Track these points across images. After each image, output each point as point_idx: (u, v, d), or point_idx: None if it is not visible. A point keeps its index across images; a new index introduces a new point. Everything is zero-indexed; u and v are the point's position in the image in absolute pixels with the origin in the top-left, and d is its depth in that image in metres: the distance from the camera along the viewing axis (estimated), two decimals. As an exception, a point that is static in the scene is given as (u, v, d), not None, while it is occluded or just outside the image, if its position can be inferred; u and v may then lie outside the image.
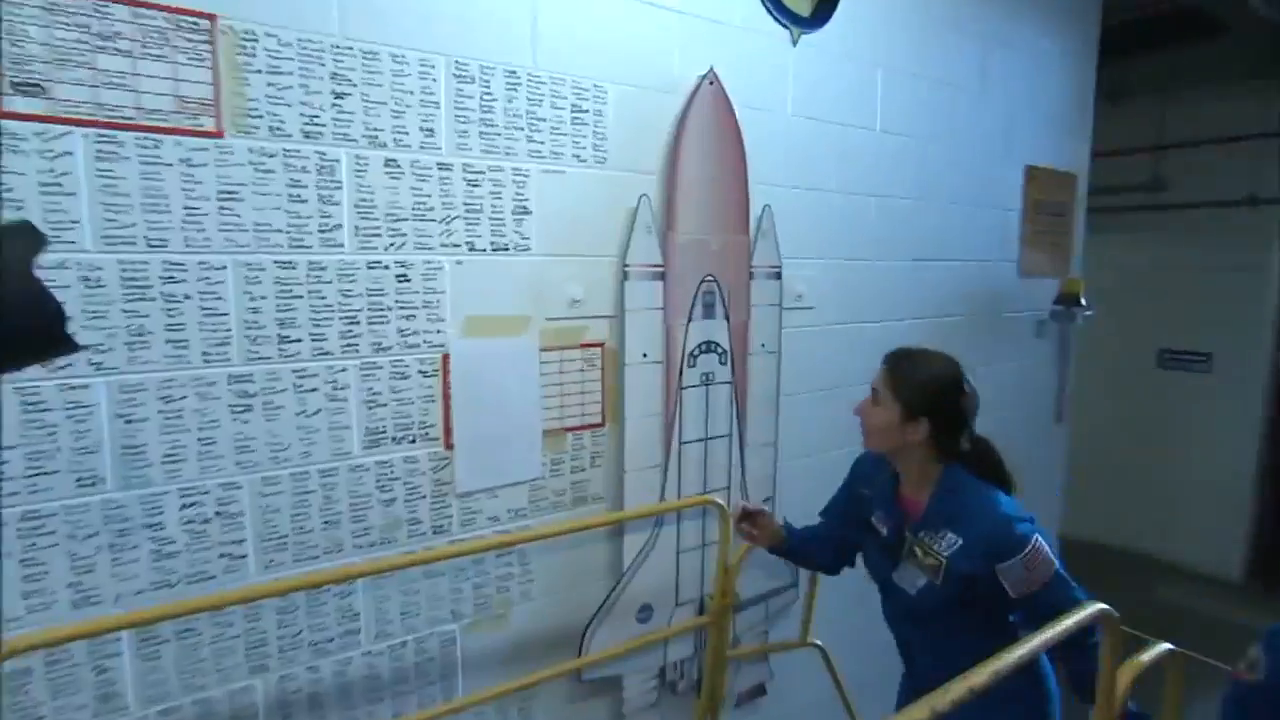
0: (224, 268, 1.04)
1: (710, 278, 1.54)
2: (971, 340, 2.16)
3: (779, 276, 1.68)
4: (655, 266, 1.47)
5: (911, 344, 1.18)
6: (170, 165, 1.00)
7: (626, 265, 1.42)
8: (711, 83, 1.50)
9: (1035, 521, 1.07)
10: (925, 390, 1.11)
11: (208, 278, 1.03)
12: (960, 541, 1.07)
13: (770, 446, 1.72)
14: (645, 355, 1.48)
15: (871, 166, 1.85)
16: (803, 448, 1.79)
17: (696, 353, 1.55)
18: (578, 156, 1.35)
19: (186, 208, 1.02)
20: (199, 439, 1.05)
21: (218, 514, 1.08)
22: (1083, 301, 2.44)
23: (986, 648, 1.05)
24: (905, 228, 1.95)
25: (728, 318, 1.58)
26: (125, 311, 0.99)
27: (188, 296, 1.03)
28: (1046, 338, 2.49)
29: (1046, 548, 1.04)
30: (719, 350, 1.59)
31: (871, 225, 1.88)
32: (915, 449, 1.11)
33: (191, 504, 1.06)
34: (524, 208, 1.29)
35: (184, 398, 1.04)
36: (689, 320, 1.53)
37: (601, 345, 1.42)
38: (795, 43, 1.65)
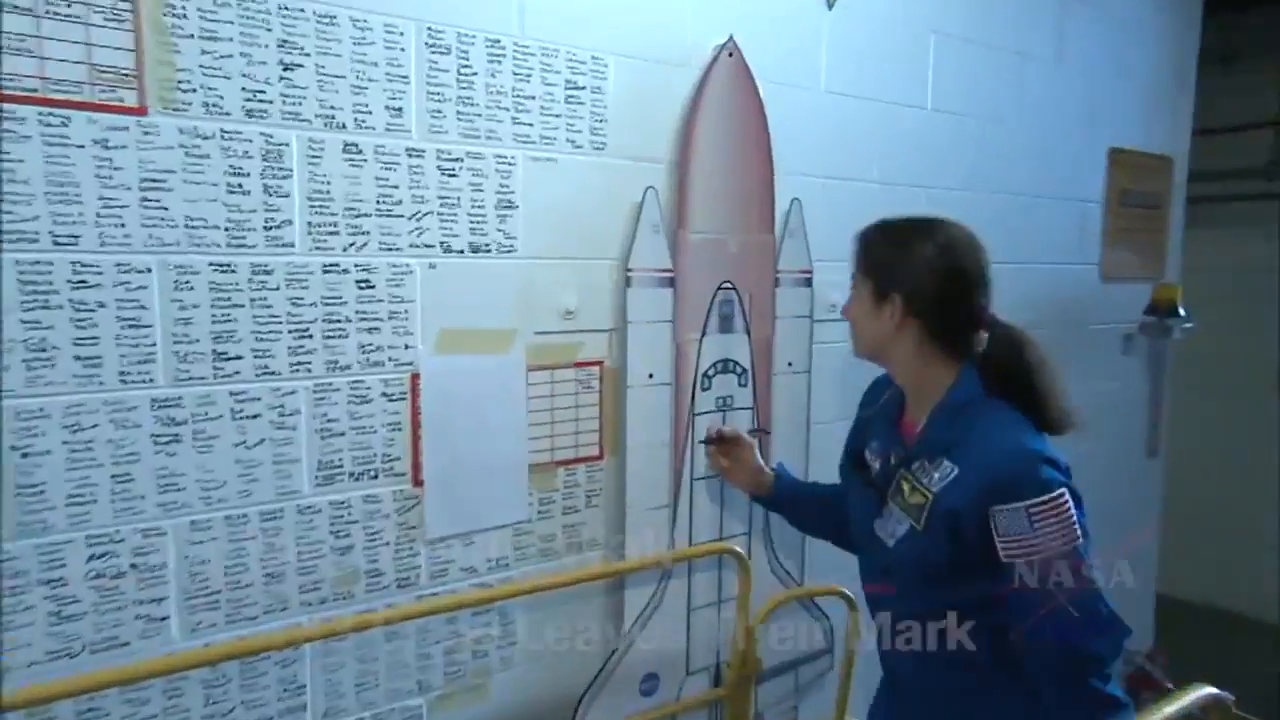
0: (148, 270, 1.01)
1: (728, 284, 1.51)
2: (1042, 358, 2.08)
3: (809, 283, 1.64)
4: (663, 271, 1.44)
5: None
6: (82, 147, 0.96)
7: (629, 270, 1.40)
8: (731, 54, 1.47)
9: (1072, 477, 0.90)
10: (894, 253, 0.97)
11: (128, 282, 1.00)
12: (956, 471, 0.92)
13: (800, 484, 1.66)
14: (651, 376, 1.45)
15: (921, 152, 1.80)
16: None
17: (712, 373, 1.52)
18: (572, 141, 1.32)
19: (102, 198, 0.97)
20: (113, 476, 1.01)
21: (134, 566, 1.03)
22: (1181, 311, 2.36)
23: (982, 661, 0.91)
24: None
25: (749, 332, 1.55)
26: (24, 322, 0.95)
27: (103, 304, 0.98)
28: (1135, 355, 2.41)
29: (1075, 514, 0.87)
30: (738, 370, 1.55)
31: None
32: (902, 345, 0.97)
33: (102, 554, 1.01)
34: (509, 201, 1.27)
35: (95, 426, 1.00)
36: (703, 334, 1.50)
37: (599, 364, 1.39)
38: (831, 4, 1.61)
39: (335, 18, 1.10)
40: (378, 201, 1.15)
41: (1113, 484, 2.27)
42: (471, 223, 1.23)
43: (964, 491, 0.91)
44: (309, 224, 1.10)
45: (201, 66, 1.02)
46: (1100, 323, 2.29)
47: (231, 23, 1.03)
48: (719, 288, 1.50)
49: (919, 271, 0.96)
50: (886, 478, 1.02)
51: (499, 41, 1.24)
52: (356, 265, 1.14)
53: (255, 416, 1.09)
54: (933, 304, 0.96)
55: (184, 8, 1.00)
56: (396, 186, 1.16)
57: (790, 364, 1.62)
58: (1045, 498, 0.87)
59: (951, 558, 0.92)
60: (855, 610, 1.52)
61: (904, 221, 1.02)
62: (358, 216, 1.14)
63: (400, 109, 1.16)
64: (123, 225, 0.99)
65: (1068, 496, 0.88)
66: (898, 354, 1.00)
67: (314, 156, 1.10)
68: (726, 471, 1.24)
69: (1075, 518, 0.88)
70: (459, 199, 1.22)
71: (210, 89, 1.02)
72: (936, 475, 0.93)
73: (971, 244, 0.99)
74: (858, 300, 1.02)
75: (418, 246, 1.19)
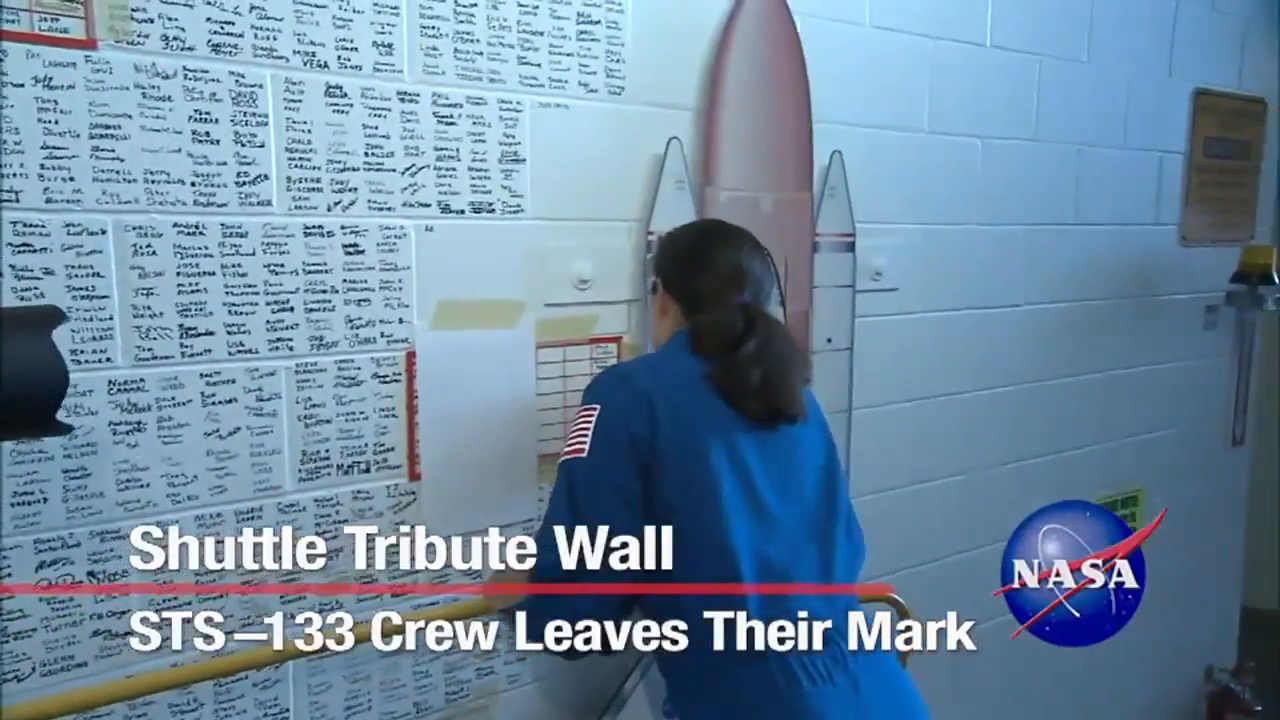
0: (102, 232, 0.97)
1: None
2: (1113, 333, 2.05)
3: (852, 248, 1.61)
4: (689, 234, 1.41)
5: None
6: (21, 86, 0.91)
7: (651, 233, 1.36)
8: (765, -16, 1.44)
9: (632, 394, 0.98)
10: (659, 247, 1.19)
11: (79, 246, 0.96)
12: None
13: (840, 476, 1.64)
14: (677, 353, 1.41)
15: (978, 95, 1.77)
16: (882, 478, 1.71)
17: (743, 350, 1.49)
18: (585, 85, 1.29)
19: (46, 147, 0.93)
20: (65, 470, 0.97)
21: (91, 575, 1.00)
22: (1276, 278, 2.27)
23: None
24: (1023, 180, 1.87)
25: (783, 303, 1.45)
26: (-43, 291, 0.92)
27: (50, 271, 0.94)
28: (1221, 329, 2.36)
29: (597, 425, 0.97)
30: (773, 346, 1.53)
31: (976, 177, 1.80)
32: (669, 331, 1.12)
33: (53, 562, 0.98)
34: (515, 154, 1.24)
35: (44, 413, 0.96)
36: (734, 306, 1.47)
37: (618, 340, 1.38)
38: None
39: (314, -63, 1.07)
40: (366, 154, 1.12)
41: (1190, 476, 2.24)
42: (473, 179, 1.21)
43: None
44: (288, 179, 1.07)
45: (161, -9, 0.98)
46: (1178, 292, 2.24)
47: (194, -61, 0.99)
48: (750, 254, 1.47)
49: (669, 251, 1.15)
50: None
51: (503, -33, 1.21)
52: (343, 227, 1.12)
53: (229, 401, 1.06)
54: (675, 277, 1.11)
55: (139, -80, 0.96)
56: (387, 136, 1.13)
57: (830, 340, 1.60)
58: (583, 405, 1.01)
59: None
60: (908, 615, 1.49)
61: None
62: (344, 171, 1.11)
63: (390, 45, 1.12)
64: (72, 179, 0.95)
65: (597, 412, 0.99)
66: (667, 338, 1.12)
67: (292, 100, 1.07)
68: None
69: (587, 434, 0.97)
70: (458, 151, 1.19)
71: (170, 19, 0.98)
72: None
73: (714, 230, 1.16)
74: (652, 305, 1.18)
75: (412, 206, 1.17)
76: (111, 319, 0.98)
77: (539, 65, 1.24)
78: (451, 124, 1.18)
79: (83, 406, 0.97)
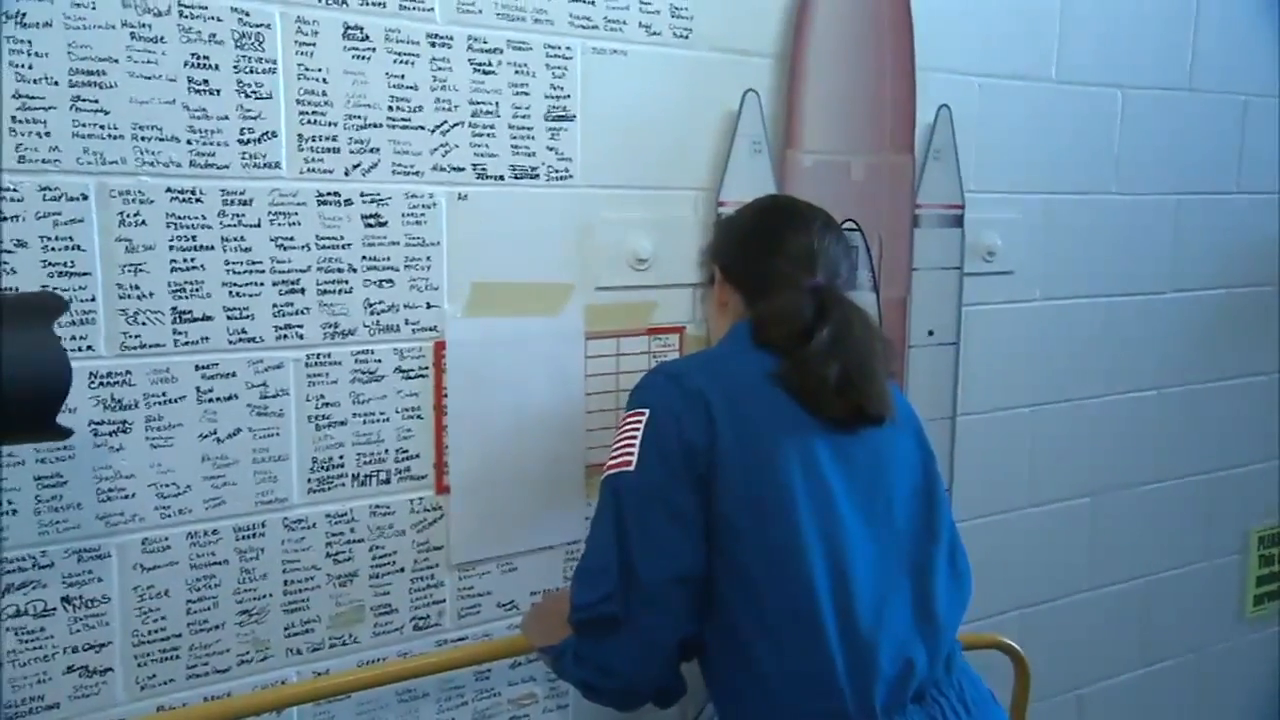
0: (83, 197, 0.96)
1: (851, 224, 1.43)
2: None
3: (960, 222, 1.56)
4: (766, 205, 1.40)
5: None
6: None
7: (722, 204, 1.34)
8: (862, -95, 1.39)
9: (686, 396, 0.95)
10: (716, 230, 1.23)
11: (56, 214, 0.95)
12: None
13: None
14: (751, 347, 1.40)
15: (1119, 36, 1.69)
16: (992, 500, 1.67)
17: (829, 343, 1.46)
18: (647, 27, 1.26)
19: (19, 96, 0.92)
20: (38, 478, 0.97)
21: (66, 602, 1.00)
22: None
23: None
24: (1173, 140, 1.79)
25: (876, 288, 1.47)
26: (-86, 265, 0.92)
27: (22, 244, 0.94)
28: None
29: (638, 441, 0.95)
30: (863, 340, 1.51)
31: (1115, 137, 1.73)
32: (728, 322, 1.10)
33: (22, 586, 0.97)
34: (563, 110, 1.22)
35: (15, 409, 0.96)
36: (818, 291, 1.45)
37: (681, 330, 1.36)
38: None
39: None
40: (391, 108, 1.11)
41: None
42: (514, 138, 1.19)
43: None
44: (299, 137, 1.06)
45: (150, -90, 0.97)
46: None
47: None
48: (838, 229, 1.45)
49: (728, 235, 1.15)
50: None
51: (552, -116, 1.19)
52: (363, 195, 1.11)
53: (229, 398, 1.06)
54: (736, 263, 1.10)
55: None
56: (415, 87, 1.12)
57: (931, 333, 1.55)
58: (629, 410, 0.99)
59: None
60: (1025, 669, 1.42)
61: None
62: (364, 128, 1.10)
63: (419, -22, 1.11)
64: (47, 134, 0.93)
65: (645, 417, 0.96)
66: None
67: (305, 44, 1.05)
68: None
69: (634, 444, 0.95)
70: (497, 105, 1.17)
71: (163, -55, 0.98)
72: None
73: (779, 207, 1.14)
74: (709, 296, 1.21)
75: (443, 170, 1.15)
76: (94, 300, 0.97)
77: (592, 3, 1.21)
78: (490, 73, 1.16)
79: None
